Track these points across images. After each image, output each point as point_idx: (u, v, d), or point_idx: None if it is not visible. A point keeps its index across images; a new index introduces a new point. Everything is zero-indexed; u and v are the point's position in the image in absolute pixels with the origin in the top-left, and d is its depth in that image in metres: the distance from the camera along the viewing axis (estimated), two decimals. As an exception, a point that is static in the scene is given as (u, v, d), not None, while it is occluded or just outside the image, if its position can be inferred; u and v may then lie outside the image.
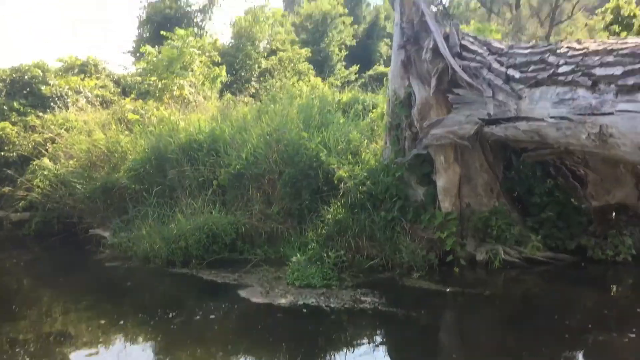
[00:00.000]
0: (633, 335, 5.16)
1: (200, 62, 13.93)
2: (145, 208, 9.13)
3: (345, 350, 5.17)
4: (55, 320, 6.46)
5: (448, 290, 6.57)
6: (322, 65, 22.83)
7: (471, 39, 7.42)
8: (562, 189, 7.63)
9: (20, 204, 10.71)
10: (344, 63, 24.45)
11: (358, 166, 8.25)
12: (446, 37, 7.30)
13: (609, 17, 16.81)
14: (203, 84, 13.56)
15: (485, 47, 7.11)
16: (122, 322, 6.29)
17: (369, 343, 5.38)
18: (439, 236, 7.35)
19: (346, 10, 26.05)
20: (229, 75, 15.27)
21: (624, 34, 15.86)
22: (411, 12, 7.80)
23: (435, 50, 7.25)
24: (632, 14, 15.67)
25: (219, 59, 14.77)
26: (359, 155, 8.66)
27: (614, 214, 7.51)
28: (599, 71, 5.31)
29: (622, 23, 16.00)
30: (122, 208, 9.62)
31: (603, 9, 17.51)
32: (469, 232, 7.51)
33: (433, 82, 7.28)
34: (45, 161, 10.65)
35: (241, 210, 8.49)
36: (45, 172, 10.46)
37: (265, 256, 7.89)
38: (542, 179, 7.76)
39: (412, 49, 7.64)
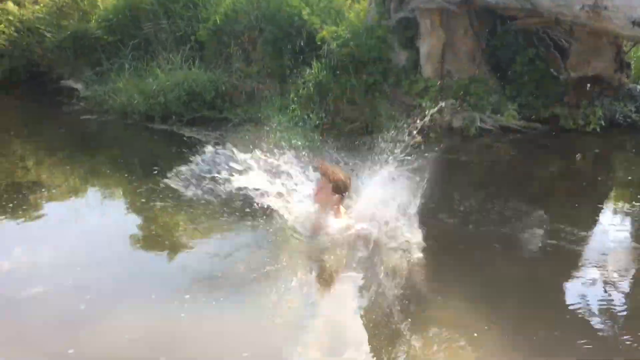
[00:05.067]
0: (588, 203, 5.57)
1: None
2: (120, 61, 8.88)
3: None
4: (28, 170, 6.49)
5: (425, 155, 6.80)
6: None
7: None
8: (542, 59, 7.68)
9: (-15, 50, 10.25)
10: None
11: (341, 27, 8.07)
12: None
13: None
14: None
15: None
16: (98, 174, 6.35)
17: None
18: (419, 102, 7.45)
19: None
20: None
21: None
22: None
23: None
24: None
25: None
26: (342, 15, 8.44)
27: (589, 85, 7.68)
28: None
29: None
30: (94, 60, 9.33)
31: None
32: (448, 99, 7.62)
33: (426, -60, 6.99)
34: (9, 5, 10.00)
35: (220, 68, 8.35)
36: (10, 17, 9.89)
37: (246, 116, 7.86)
38: (524, 48, 7.78)
39: None
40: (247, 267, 4.06)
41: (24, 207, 5.21)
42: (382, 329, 3.39)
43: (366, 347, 3.24)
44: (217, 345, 3.25)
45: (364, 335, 3.34)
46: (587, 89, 7.65)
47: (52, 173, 6.41)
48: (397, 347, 3.20)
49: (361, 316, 3.56)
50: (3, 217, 4.96)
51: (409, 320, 3.44)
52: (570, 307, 3.68)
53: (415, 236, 4.42)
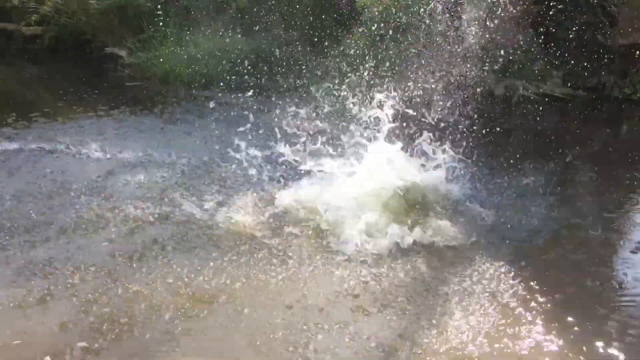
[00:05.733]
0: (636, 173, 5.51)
1: None
2: (162, 28, 9.00)
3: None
4: (81, 129, 6.72)
5: (467, 122, 6.76)
6: None
7: None
8: (590, 25, 7.49)
9: (33, 17, 10.45)
10: None
11: (382, -7, 8.00)
12: None
13: None
14: None
15: None
16: (147, 135, 6.52)
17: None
18: (460, 70, 7.36)
19: None
20: None
21: None
22: None
23: None
24: None
25: None
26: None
27: (638, 53, 7.47)
28: None
29: None
30: (138, 27, 9.46)
31: None
32: (490, 67, 7.51)
33: None
34: (55, -27, 10.19)
35: (260, 35, 8.39)
36: (56, -15, 10.08)
37: (285, 83, 7.89)
38: (571, 14, 7.58)
39: None
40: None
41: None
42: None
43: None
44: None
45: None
46: (636, 56, 7.46)
47: (101, 134, 6.60)
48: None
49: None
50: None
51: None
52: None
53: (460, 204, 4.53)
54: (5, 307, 3.32)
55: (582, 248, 4.15)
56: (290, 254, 3.90)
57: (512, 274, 3.66)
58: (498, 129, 6.60)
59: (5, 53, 10.47)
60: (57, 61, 10.28)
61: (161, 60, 8.50)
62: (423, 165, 4.95)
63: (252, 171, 5.23)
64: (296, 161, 5.15)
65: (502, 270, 3.71)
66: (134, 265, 3.77)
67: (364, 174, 4.76)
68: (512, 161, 5.62)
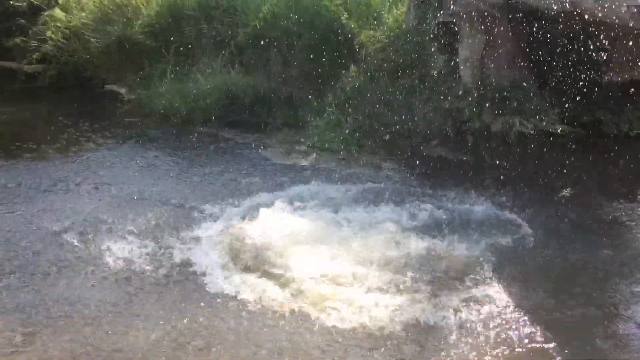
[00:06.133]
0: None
1: None
2: (162, 66, 9.09)
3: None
4: (78, 165, 6.76)
5: (464, 158, 6.78)
6: None
7: None
8: (585, 62, 7.53)
9: (34, 55, 10.55)
10: None
11: (379, 31, 8.10)
12: None
13: None
14: None
15: None
16: (144, 173, 6.53)
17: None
18: (457, 106, 7.41)
19: None
20: None
21: None
22: None
23: None
24: None
25: None
26: (380, 20, 8.45)
27: (632, 89, 7.50)
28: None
29: None
30: (138, 64, 9.56)
31: None
32: (487, 104, 7.55)
33: (465, -56, 6.95)
34: (57, 11, 10.34)
35: (259, 73, 8.46)
36: (58, 24, 10.22)
37: (284, 119, 7.93)
38: (566, 52, 7.64)
39: None
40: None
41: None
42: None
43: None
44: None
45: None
46: (631, 93, 7.48)
47: (102, 167, 6.64)
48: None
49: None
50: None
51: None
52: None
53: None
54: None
55: (583, 288, 4.10)
56: (278, 308, 3.82)
57: (515, 314, 3.64)
58: (493, 165, 6.63)
59: (8, 90, 10.56)
60: (58, 98, 10.34)
61: (160, 97, 8.54)
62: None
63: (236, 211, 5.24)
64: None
65: (509, 311, 3.69)
66: (119, 310, 3.73)
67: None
68: (505, 199, 5.64)
